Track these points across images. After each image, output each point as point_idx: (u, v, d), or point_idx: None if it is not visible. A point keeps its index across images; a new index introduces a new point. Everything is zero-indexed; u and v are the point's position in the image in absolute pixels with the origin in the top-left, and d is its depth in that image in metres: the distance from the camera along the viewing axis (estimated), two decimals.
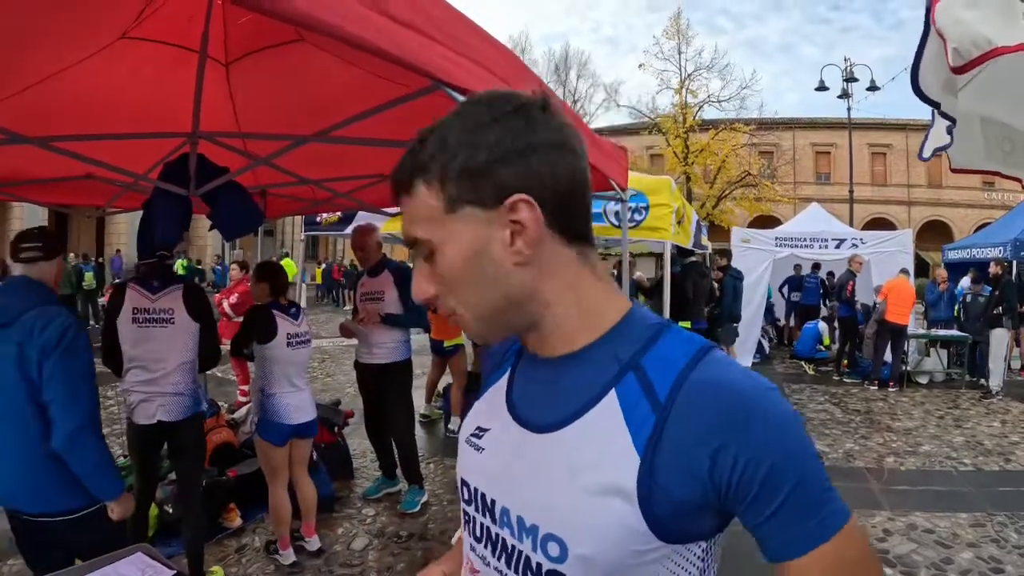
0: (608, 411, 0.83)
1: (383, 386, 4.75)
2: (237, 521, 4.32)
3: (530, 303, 0.87)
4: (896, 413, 8.51)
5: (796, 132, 37.79)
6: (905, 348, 10.27)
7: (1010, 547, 4.39)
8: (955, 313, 11.14)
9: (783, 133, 36.46)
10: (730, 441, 0.77)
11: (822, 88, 21.46)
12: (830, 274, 13.26)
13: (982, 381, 9.87)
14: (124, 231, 25.18)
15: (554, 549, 0.83)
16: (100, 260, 18.14)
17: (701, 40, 70.01)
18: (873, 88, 21.40)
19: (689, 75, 31.20)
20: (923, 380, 10.59)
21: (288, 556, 3.91)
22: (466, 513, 0.99)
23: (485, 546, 0.94)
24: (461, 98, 1.81)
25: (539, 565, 0.86)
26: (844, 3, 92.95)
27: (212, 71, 2.79)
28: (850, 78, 21.67)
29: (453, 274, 0.83)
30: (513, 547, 0.89)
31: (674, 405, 0.80)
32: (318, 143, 3.02)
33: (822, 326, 12.01)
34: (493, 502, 0.93)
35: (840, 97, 22.24)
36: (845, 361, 11.04)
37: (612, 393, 0.84)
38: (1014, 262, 11.22)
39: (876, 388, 9.92)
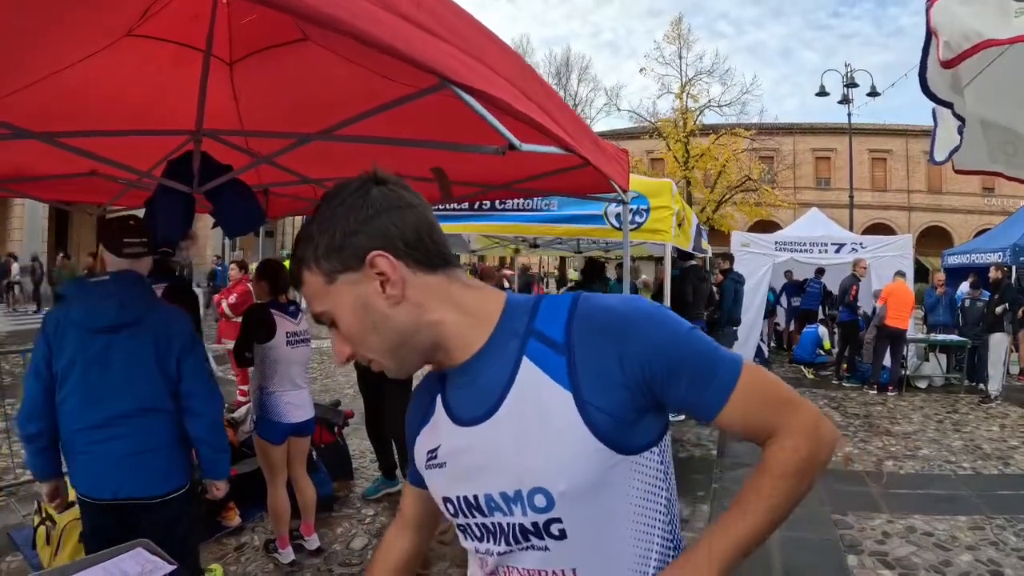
0: (528, 373, 1.00)
1: (383, 385, 4.75)
2: (236, 520, 4.33)
3: (422, 330, 1.01)
4: (895, 417, 8.52)
5: (796, 137, 37.88)
6: (904, 353, 10.27)
7: (1009, 550, 4.39)
8: (954, 319, 11.16)
9: (783, 138, 36.52)
10: (627, 345, 0.96)
11: (823, 93, 21.50)
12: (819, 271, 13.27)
13: (981, 386, 9.87)
14: None
15: (540, 500, 0.98)
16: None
17: (702, 45, 69.98)
18: (874, 94, 21.42)
19: (690, 79, 31.26)
20: (922, 384, 10.62)
21: (287, 555, 3.91)
22: (460, 526, 1.11)
23: (489, 541, 1.06)
24: (467, 96, 1.82)
25: (535, 523, 1.00)
26: (844, 10, 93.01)
27: (216, 70, 2.79)
28: (851, 83, 21.70)
29: (352, 330, 1.00)
30: (510, 524, 1.02)
31: (573, 340, 0.98)
32: (322, 142, 3.03)
33: (822, 330, 12.03)
34: (475, 497, 1.04)
35: (841, 102, 22.29)
36: (845, 365, 11.04)
37: (525, 359, 1.00)
38: (1014, 267, 11.23)
39: (875, 392, 9.93)
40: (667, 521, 1.05)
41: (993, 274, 10.33)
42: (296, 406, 3.80)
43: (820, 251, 11.85)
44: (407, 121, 2.62)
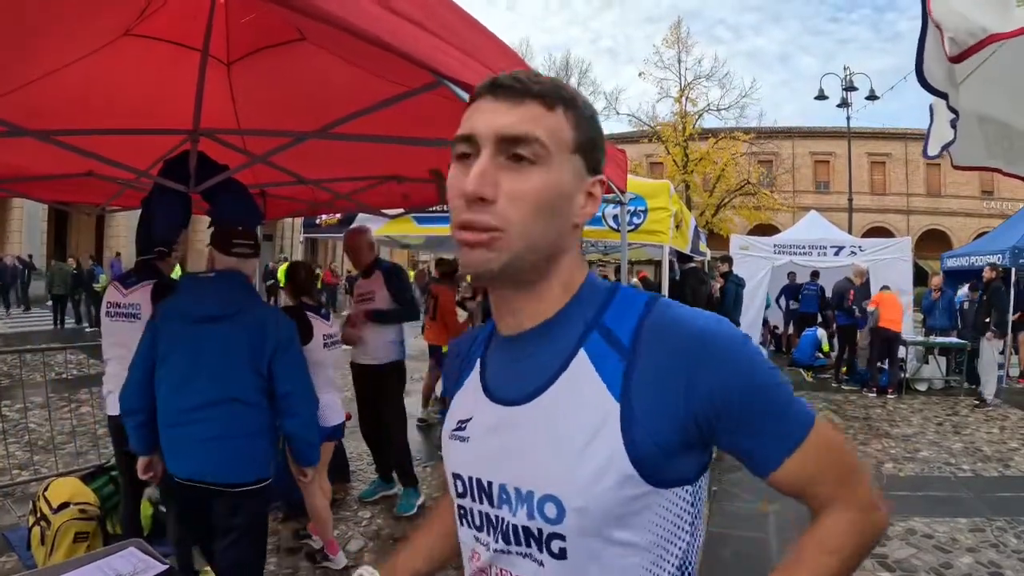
0: (581, 368, 0.90)
1: (376, 386, 4.74)
2: None
3: (554, 261, 0.93)
4: (895, 420, 8.52)
5: (795, 141, 37.92)
6: (903, 355, 10.26)
7: (1009, 552, 4.39)
8: (952, 322, 11.17)
9: (782, 142, 36.57)
10: (699, 372, 0.84)
11: (821, 97, 21.48)
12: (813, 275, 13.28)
13: (980, 389, 9.86)
14: (124, 233, 25.20)
15: (551, 510, 0.87)
16: (98, 262, 18.19)
17: (701, 49, 70.09)
18: (872, 97, 21.41)
19: (689, 84, 31.25)
20: (922, 387, 10.61)
21: (340, 559, 3.90)
22: (461, 508, 1.02)
23: (487, 533, 0.97)
24: (463, 94, 1.81)
25: (540, 531, 0.89)
26: (842, 15, 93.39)
27: (214, 70, 2.80)
28: (849, 87, 21.70)
29: (541, 197, 0.86)
30: (513, 524, 0.92)
31: (638, 349, 0.88)
32: (318, 142, 3.03)
33: (821, 333, 12.03)
34: (489, 484, 0.95)
35: (839, 106, 22.27)
36: (844, 369, 11.04)
37: (581, 352, 0.91)
38: (1013, 269, 11.22)
39: (875, 395, 9.92)
40: (680, 563, 0.92)
41: (987, 274, 10.32)
42: (332, 409, 3.76)
43: (819, 254, 11.86)
44: (403, 120, 2.62)
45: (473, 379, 1.04)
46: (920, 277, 18.72)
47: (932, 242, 33.85)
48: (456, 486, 1.02)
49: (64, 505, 3.56)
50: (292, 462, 3.03)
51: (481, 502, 0.97)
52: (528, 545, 0.91)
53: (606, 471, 0.84)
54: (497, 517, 0.95)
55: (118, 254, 22.08)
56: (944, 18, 1.63)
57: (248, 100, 3.20)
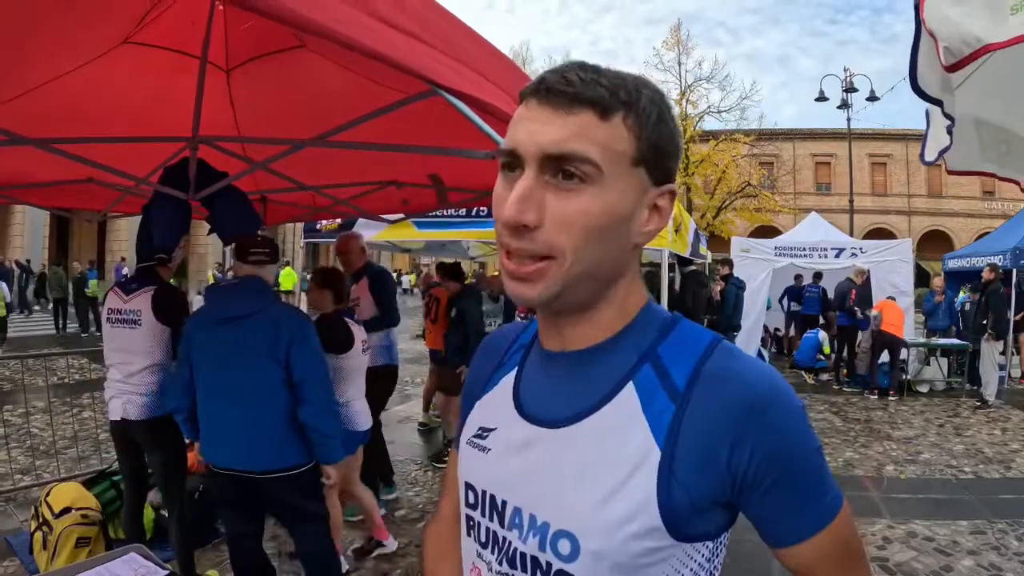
0: (626, 403, 0.83)
1: (377, 393, 4.73)
2: None
3: (610, 286, 0.85)
4: (896, 422, 8.51)
5: (796, 143, 37.93)
6: (904, 357, 10.25)
7: (1011, 554, 4.37)
8: (954, 323, 11.17)
9: (783, 144, 36.58)
10: (748, 434, 0.78)
11: (822, 98, 21.46)
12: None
13: (981, 390, 9.85)
14: (125, 238, 25.23)
15: (565, 547, 0.82)
16: (94, 267, 18.30)
17: (701, 51, 70.12)
18: (873, 98, 21.41)
19: (689, 86, 31.37)
20: (923, 389, 10.60)
21: (392, 543, 4.23)
22: (470, 518, 0.96)
23: (492, 552, 0.91)
24: (458, 103, 1.82)
25: (548, 564, 0.83)
26: (841, 17, 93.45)
27: (213, 77, 2.81)
28: (849, 88, 21.69)
29: (593, 222, 0.77)
30: (521, 551, 0.87)
31: (692, 395, 0.80)
32: (317, 149, 3.04)
33: (822, 335, 12.02)
34: (504, 503, 0.89)
35: (840, 107, 22.27)
36: (845, 371, 11.03)
37: (630, 385, 0.83)
38: (1014, 270, 11.21)
39: (876, 397, 9.91)
40: None
41: (986, 275, 10.31)
42: (363, 415, 3.86)
43: (820, 256, 11.85)
44: (400, 126, 2.62)
45: (505, 386, 0.97)
46: (922, 278, 18.74)
47: (934, 243, 33.87)
48: (468, 496, 0.96)
49: (66, 510, 3.58)
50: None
51: (491, 519, 0.91)
52: (534, 574, 0.86)
53: (633, 518, 0.78)
54: (505, 539, 0.89)
55: (123, 259, 22.15)
56: (938, 27, 1.63)
57: (247, 107, 3.21)
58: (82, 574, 1.94)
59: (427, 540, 1.15)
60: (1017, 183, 2.20)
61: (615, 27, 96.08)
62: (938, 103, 1.87)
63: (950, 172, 2.23)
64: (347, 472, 3.91)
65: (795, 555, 0.83)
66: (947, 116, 1.89)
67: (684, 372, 0.82)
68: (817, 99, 21.49)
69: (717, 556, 0.87)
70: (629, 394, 0.83)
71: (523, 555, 0.86)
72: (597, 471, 0.81)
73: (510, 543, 0.88)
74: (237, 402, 2.81)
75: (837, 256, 11.72)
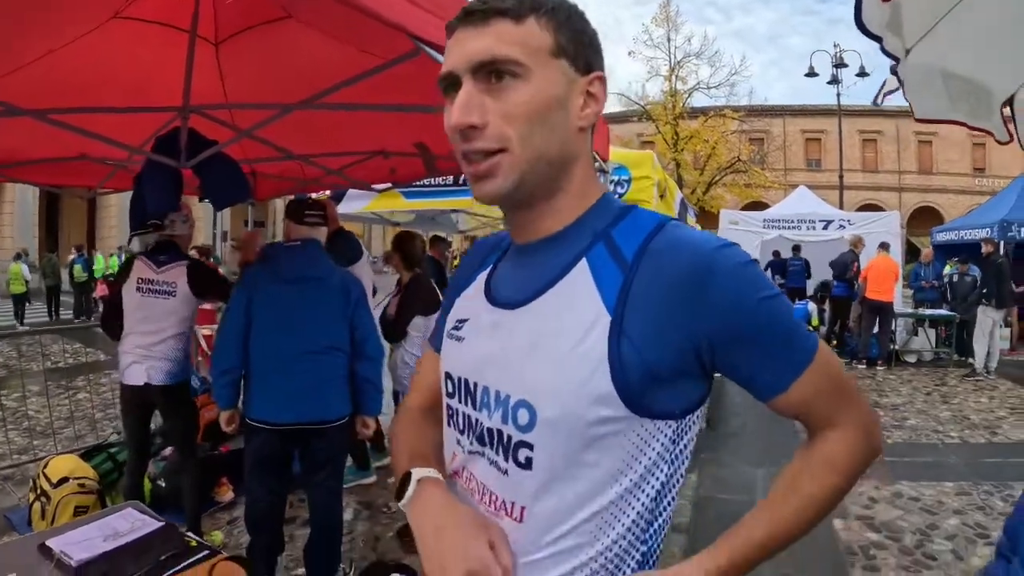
0: (579, 277, 0.89)
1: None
2: (229, 495, 4.36)
3: (565, 169, 0.91)
4: (884, 390, 8.60)
5: (786, 119, 37.82)
6: (893, 327, 10.34)
7: (996, 514, 4.39)
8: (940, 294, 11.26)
9: (773, 120, 36.50)
10: (701, 294, 0.82)
11: (812, 74, 21.39)
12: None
13: (970, 360, 9.94)
14: (115, 224, 25.09)
15: (523, 416, 0.87)
16: (82, 253, 18.21)
17: (690, 27, 69.78)
18: (863, 74, 21.34)
19: (679, 62, 31.23)
20: (911, 359, 10.70)
21: None
22: (450, 408, 1.02)
23: (466, 436, 0.97)
24: (442, 58, 1.83)
25: (509, 438, 0.89)
26: None
27: (202, 50, 2.84)
28: (840, 64, 21.62)
29: (531, 108, 0.85)
30: (487, 427, 0.92)
31: (640, 263, 0.86)
32: (305, 118, 3.11)
33: (811, 307, 12.09)
34: (475, 385, 0.95)
35: (830, 83, 22.20)
36: (835, 341, 11.12)
37: (583, 261, 0.90)
38: (1001, 243, 11.29)
39: (864, 367, 10.00)
40: (651, 502, 0.90)
41: (986, 248, 10.40)
42: None
43: (808, 228, 11.91)
44: (386, 92, 2.66)
45: (480, 281, 1.05)
46: (913, 254, 18.79)
47: (924, 219, 33.87)
48: (447, 387, 1.02)
49: (63, 480, 3.61)
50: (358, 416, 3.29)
51: (466, 403, 0.97)
52: (496, 452, 0.91)
53: (585, 383, 0.83)
54: (476, 420, 0.95)
55: (120, 247, 22.08)
56: None
57: (237, 79, 3.23)
58: (81, 528, 1.98)
59: (394, 428, 1.19)
60: (990, 133, 2.21)
61: (603, 4, 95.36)
62: (877, 39, 1.89)
63: (918, 120, 2.24)
64: None
65: (785, 402, 0.88)
66: (887, 55, 1.91)
67: (633, 246, 0.88)
68: (807, 75, 21.43)
69: (682, 440, 0.90)
70: (581, 268, 0.89)
71: (489, 430, 0.92)
72: (551, 340, 0.87)
73: (480, 422, 0.94)
74: (309, 357, 2.97)
75: (825, 228, 11.78)
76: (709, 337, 0.83)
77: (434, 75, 1.84)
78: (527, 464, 0.87)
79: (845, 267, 10.78)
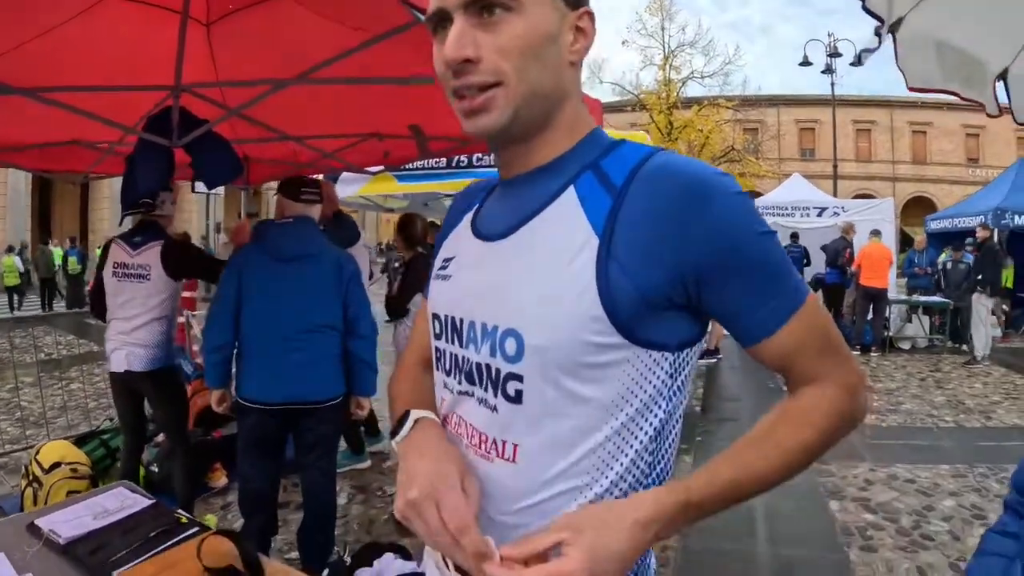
0: (566, 204, 0.87)
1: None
2: (222, 480, 4.36)
3: (558, 104, 0.90)
4: (878, 376, 8.62)
5: (780, 108, 37.87)
6: (887, 314, 10.35)
7: (992, 496, 4.40)
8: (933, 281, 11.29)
9: (767, 109, 36.49)
10: (691, 222, 0.79)
11: (806, 63, 21.39)
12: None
13: (964, 347, 9.96)
14: (107, 216, 24.99)
15: (511, 347, 0.84)
16: (75, 245, 18.23)
17: (684, 16, 69.60)
18: (857, 63, 21.30)
19: (672, 51, 31.09)
20: (905, 346, 10.74)
21: None
22: (438, 350, 1.00)
23: (454, 377, 0.95)
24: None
25: (497, 371, 0.86)
26: None
27: (194, 31, 2.82)
28: (834, 53, 21.62)
29: (524, 43, 0.83)
30: (476, 363, 0.90)
31: (631, 187, 0.83)
32: (298, 98, 3.11)
33: None
34: (461, 321, 0.93)
35: (824, 72, 22.19)
36: None
37: (571, 188, 0.88)
38: (995, 230, 11.32)
39: (859, 353, 9.98)
40: (651, 442, 0.87)
41: (981, 233, 10.39)
42: None
43: (802, 215, 11.92)
44: (380, 70, 2.65)
45: (467, 220, 1.03)
46: (907, 243, 18.83)
47: (918, 209, 33.99)
48: (434, 328, 1.00)
49: (56, 465, 3.58)
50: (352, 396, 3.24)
51: (452, 342, 0.95)
52: (485, 388, 0.89)
53: (573, 308, 0.80)
54: (463, 358, 0.92)
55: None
56: None
57: (228, 60, 3.22)
58: (72, 506, 1.96)
59: (391, 383, 1.18)
60: (982, 105, 2.20)
61: None
62: (879, 20, 1.87)
63: (911, 88, 2.21)
64: None
65: (771, 348, 0.84)
66: (870, 14, 1.89)
67: (624, 172, 0.85)
68: (801, 64, 21.44)
69: (680, 376, 0.87)
70: (569, 196, 0.87)
71: (477, 365, 0.90)
72: (538, 267, 0.85)
73: (467, 359, 0.92)
74: (303, 336, 2.94)
75: (819, 215, 11.79)
76: (699, 266, 0.80)
77: (427, 49, 1.85)
78: (517, 397, 0.85)
79: (837, 254, 10.79)
